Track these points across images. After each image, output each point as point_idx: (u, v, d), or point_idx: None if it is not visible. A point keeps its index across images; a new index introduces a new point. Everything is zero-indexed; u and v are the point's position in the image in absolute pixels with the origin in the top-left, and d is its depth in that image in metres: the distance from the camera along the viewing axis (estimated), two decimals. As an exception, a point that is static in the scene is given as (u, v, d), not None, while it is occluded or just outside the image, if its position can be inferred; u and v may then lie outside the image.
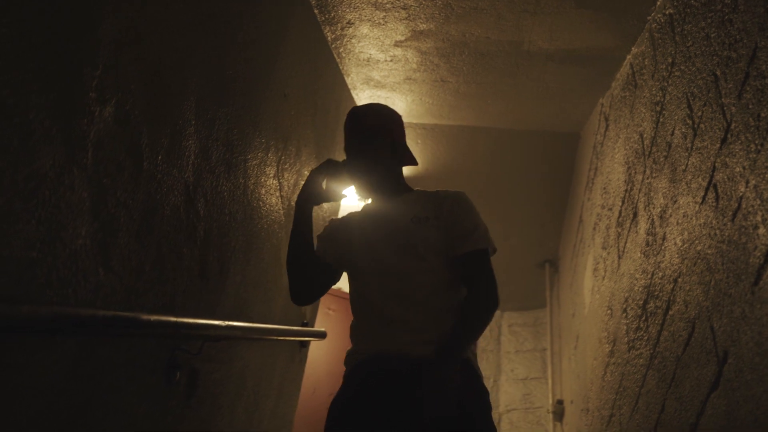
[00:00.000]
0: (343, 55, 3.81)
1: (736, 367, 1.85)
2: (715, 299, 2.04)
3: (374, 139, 2.22)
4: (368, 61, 3.86)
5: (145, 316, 1.60)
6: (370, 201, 2.29)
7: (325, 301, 5.18)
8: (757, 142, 1.83)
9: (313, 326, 3.53)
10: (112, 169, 1.60)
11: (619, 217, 3.38)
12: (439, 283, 2.04)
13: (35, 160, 1.32)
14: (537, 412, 4.98)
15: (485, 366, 5.61)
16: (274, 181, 2.79)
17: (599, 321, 3.59)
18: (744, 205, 1.88)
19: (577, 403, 4.11)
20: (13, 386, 1.35)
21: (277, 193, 2.84)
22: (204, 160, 2.11)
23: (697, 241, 2.23)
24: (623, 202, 3.31)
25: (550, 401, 4.73)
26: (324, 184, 2.12)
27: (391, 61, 3.85)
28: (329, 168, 2.11)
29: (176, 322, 1.73)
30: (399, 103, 4.41)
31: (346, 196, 2.35)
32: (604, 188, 3.76)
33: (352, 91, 4.22)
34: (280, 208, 2.89)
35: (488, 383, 5.57)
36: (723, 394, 1.92)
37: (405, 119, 4.71)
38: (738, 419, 1.80)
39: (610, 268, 3.48)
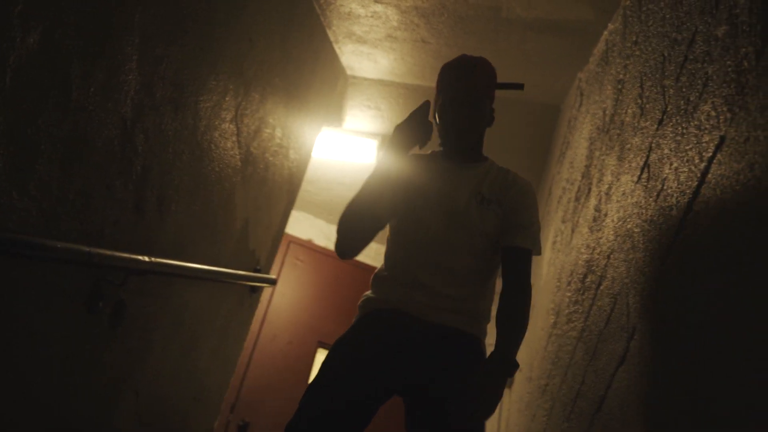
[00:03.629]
0: (324, 6, 3.80)
1: (640, 343, 1.89)
2: (633, 276, 2.08)
3: (486, 98, 2.25)
4: (349, 15, 3.86)
5: (52, 242, 1.64)
6: (434, 154, 2.30)
7: (294, 251, 5.24)
8: (683, 125, 1.85)
9: (268, 273, 3.58)
10: (33, 96, 1.62)
11: (577, 192, 3.40)
12: (479, 264, 2.13)
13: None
14: (492, 377, 5.07)
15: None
16: (231, 126, 2.81)
17: (549, 293, 3.64)
18: (665, 187, 1.90)
19: (524, 371, 4.17)
20: None
21: (234, 138, 2.86)
22: (146, 97, 2.13)
23: (628, 219, 2.26)
24: (582, 177, 3.33)
25: (503, 368, 4.80)
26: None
27: (372, 17, 3.85)
28: (425, 114, 2.10)
29: (89, 252, 1.77)
30: (381, 60, 4.41)
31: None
32: (571, 162, 3.78)
33: (334, 44, 4.22)
34: (237, 152, 2.92)
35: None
36: (627, 369, 1.97)
37: (387, 77, 4.72)
38: (635, 393, 1.85)
39: (564, 241, 3.51)
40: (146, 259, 2.07)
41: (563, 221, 3.70)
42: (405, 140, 2.08)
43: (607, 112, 3.02)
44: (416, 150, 2.14)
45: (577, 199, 3.36)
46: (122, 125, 2.02)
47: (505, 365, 1.90)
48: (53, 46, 1.65)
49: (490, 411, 1.88)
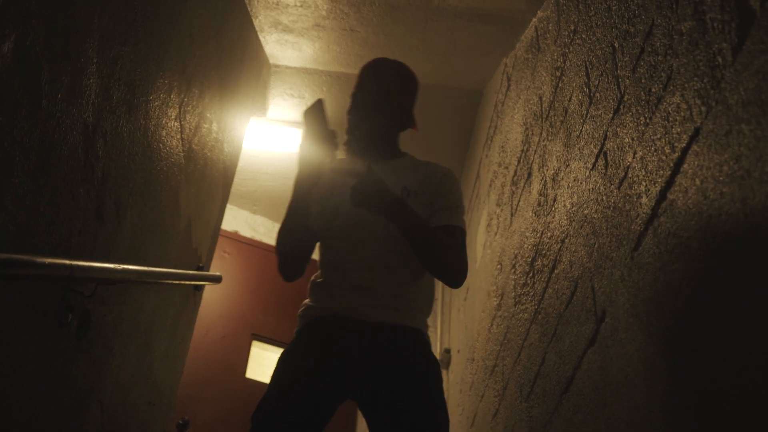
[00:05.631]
0: (252, -4, 3.74)
1: (612, 326, 1.97)
2: (597, 261, 2.16)
3: (388, 99, 2.29)
4: (277, 4, 3.81)
5: (40, 259, 1.58)
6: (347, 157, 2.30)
7: (221, 245, 5.16)
8: (646, 115, 1.92)
9: (208, 270, 3.53)
10: (9, 107, 1.55)
11: (514, 176, 3.49)
12: (413, 257, 2.09)
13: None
14: (425, 359, 5.14)
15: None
16: (176, 123, 2.75)
17: (489, 275, 3.72)
18: (630, 175, 1.98)
19: (463, 352, 4.26)
20: None
21: (178, 136, 2.80)
22: (105, 100, 2.06)
23: (584, 205, 2.34)
24: (519, 162, 3.41)
25: (438, 350, 4.88)
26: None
27: (301, 6, 3.81)
28: (321, 114, 2.05)
29: (72, 265, 1.71)
30: (306, 49, 4.37)
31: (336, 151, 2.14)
32: (502, 147, 3.86)
33: (259, 34, 4.16)
34: (181, 150, 2.86)
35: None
36: (598, 350, 2.05)
37: (311, 66, 4.68)
38: (611, 375, 1.93)
39: (502, 225, 3.59)
40: (118, 267, 2.01)
41: (498, 204, 3.78)
42: (312, 160, 2.06)
43: (544, 98, 3.10)
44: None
45: (514, 183, 3.44)
46: (85, 131, 1.95)
47: (390, 198, 1.95)
48: (25, 53, 1.58)
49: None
